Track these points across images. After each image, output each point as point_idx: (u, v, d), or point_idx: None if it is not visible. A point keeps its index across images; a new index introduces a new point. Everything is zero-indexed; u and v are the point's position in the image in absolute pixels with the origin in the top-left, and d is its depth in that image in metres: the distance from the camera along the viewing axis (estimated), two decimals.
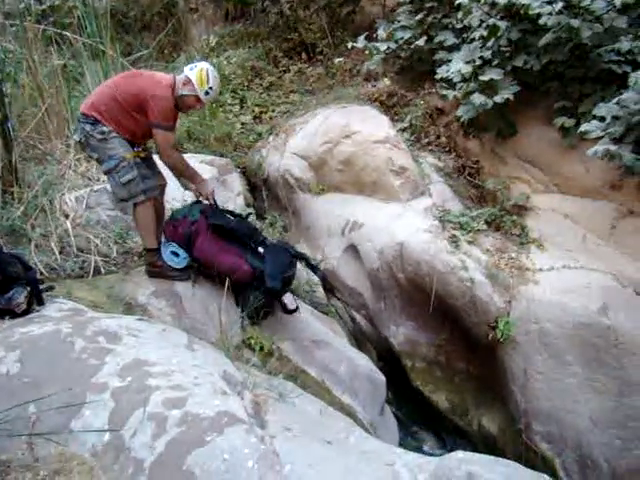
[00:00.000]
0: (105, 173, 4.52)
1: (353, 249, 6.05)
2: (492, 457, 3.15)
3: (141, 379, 3.10)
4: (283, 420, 3.40)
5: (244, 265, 4.57)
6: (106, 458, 2.75)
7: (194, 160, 6.32)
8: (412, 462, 3.33)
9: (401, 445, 4.86)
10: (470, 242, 5.48)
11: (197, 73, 4.37)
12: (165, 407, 2.89)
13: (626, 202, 5.54)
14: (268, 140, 7.52)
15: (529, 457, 5.03)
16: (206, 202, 4.85)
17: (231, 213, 5.00)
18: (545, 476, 3.00)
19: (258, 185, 7.35)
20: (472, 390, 5.66)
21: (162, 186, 4.89)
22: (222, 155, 7.21)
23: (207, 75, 4.36)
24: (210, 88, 4.41)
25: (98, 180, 5.80)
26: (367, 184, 6.35)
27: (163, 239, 4.76)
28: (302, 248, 6.63)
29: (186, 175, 4.80)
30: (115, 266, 4.87)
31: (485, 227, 5.69)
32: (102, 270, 4.81)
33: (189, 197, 5.62)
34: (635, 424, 4.68)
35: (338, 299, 6.31)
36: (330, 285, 6.32)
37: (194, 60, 8.50)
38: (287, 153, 6.94)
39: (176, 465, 2.59)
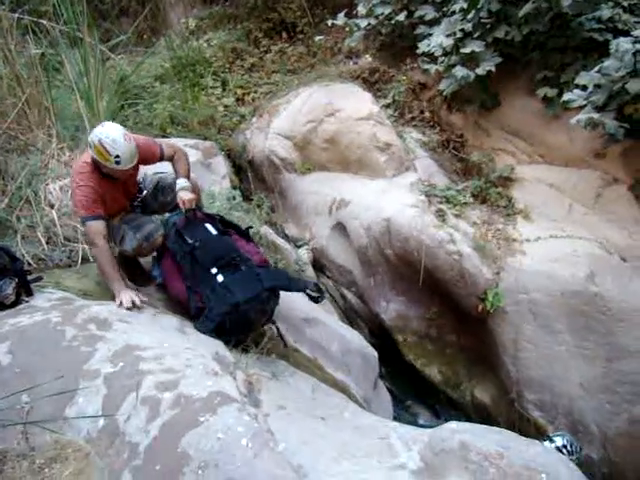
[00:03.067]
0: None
1: (341, 227, 6.06)
2: (484, 426, 3.18)
3: (133, 364, 3.11)
4: (277, 398, 3.43)
5: (186, 295, 3.99)
6: (101, 444, 2.76)
7: (179, 144, 6.29)
8: (406, 434, 3.36)
9: (395, 419, 4.91)
10: (457, 215, 5.50)
11: (94, 150, 3.85)
12: (158, 390, 2.90)
13: (610, 170, 5.57)
14: (252, 121, 7.49)
15: (522, 425, 5.10)
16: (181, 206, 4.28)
17: (220, 223, 4.41)
18: (537, 442, 3.04)
19: (243, 167, 7.33)
20: (464, 362, 5.71)
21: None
22: (206, 138, 7.16)
23: (102, 147, 3.82)
24: (117, 156, 3.85)
25: None
26: (352, 161, 6.35)
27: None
28: (289, 228, 6.66)
29: (104, 274, 4.04)
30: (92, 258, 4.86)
31: (471, 200, 5.71)
32: (90, 258, 4.79)
33: None
34: (624, 389, 4.74)
35: (328, 277, 6.33)
36: (319, 264, 6.33)
37: (173, 43, 8.47)
38: (271, 134, 6.91)
39: (171, 447, 2.61)
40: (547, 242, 5.22)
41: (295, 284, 4.24)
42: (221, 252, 4.07)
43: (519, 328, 5.07)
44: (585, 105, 5.13)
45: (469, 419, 5.37)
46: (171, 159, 4.41)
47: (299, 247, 6.34)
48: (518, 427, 5.08)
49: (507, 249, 5.25)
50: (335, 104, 6.50)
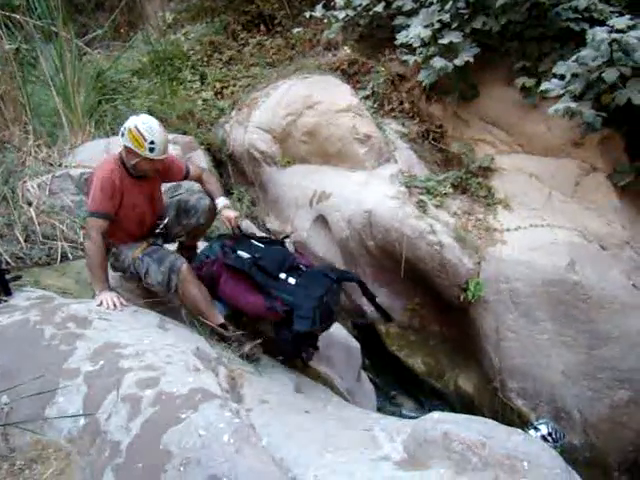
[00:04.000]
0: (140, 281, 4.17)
1: (322, 219, 6.06)
2: (467, 416, 3.20)
3: (113, 362, 3.09)
4: (259, 393, 3.42)
5: (266, 304, 3.90)
6: (82, 443, 2.76)
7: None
8: (389, 426, 3.37)
9: (379, 410, 4.93)
10: (437, 206, 5.51)
11: (128, 136, 3.84)
12: (139, 388, 2.89)
13: (588, 159, 5.61)
14: (231, 115, 7.45)
15: (505, 414, 5.13)
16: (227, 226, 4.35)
17: (260, 239, 4.46)
18: (519, 431, 3.06)
19: (223, 161, 7.28)
20: (447, 352, 5.74)
21: (189, 250, 4.64)
22: (185, 133, 7.10)
23: (138, 132, 3.82)
24: (151, 142, 3.83)
25: (60, 166, 5.69)
26: (332, 154, 6.33)
27: None
28: (271, 221, 6.65)
29: (91, 271, 3.98)
30: (83, 251, 4.80)
31: (451, 190, 5.73)
32: (70, 256, 4.76)
33: None
34: (604, 375, 4.80)
35: None
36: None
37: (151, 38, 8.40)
38: (251, 127, 6.88)
39: (152, 445, 2.60)
40: (527, 231, 5.25)
41: (352, 275, 4.68)
42: (281, 258, 4.17)
43: (501, 317, 5.10)
44: (563, 94, 5.14)
45: (453, 409, 5.39)
46: (198, 179, 4.40)
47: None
48: (501, 415, 5.11)
49: (488, 239, 5.27)
50: (314, 96, 6.48)
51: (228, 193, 6.68)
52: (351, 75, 7.25)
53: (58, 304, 3.69)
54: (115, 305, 3.80)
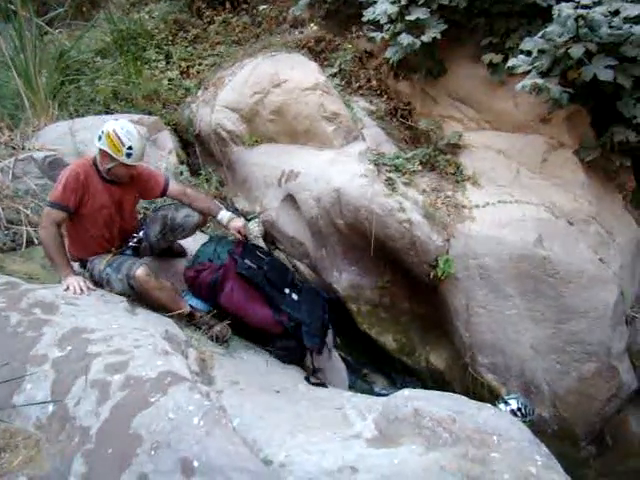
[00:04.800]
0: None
1: (291, 199, 6.03)
2: (438, 392, 3.23)
3: (81, 347, 3.06)
4: (230, 374, 3.42)
5: (274, 317, 4.17)
6: (51, 429, 2.73)
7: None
8: (361, 404, 3.39)
9: (352, 388, 4.95)
10: (406, 183, 5.51)
11: (106, 140, 3.85)
12: (107, 373, 2.87)
13: (556, 135, 5.64)
14: (197, 95, 7.36)
15: (476, 389, 5.19)
16: (239, 237, 4.43)
17: (261, 251, 4.60)
18: (489, 406, 3.09)
19: (190, 141, 7.21)
20: (418, 329, 5.78)
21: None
22: (151, 113, 7.02)
23: (117, 136, 3.84)
24: (129, 148, 3.86)
25: (23, 149, 5.60)
26: (300, 132, 6.29)
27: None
28: (240, 201, 6.61)
29: (51, 259, 3.93)
30: (39, 242, 4.73)
31: (420, 168, 5.72)
32: (35, 241, 4.69)
33: None
34: (572, 348, 4.87)
35: (280, 249, 6.31)
36: (271, 236, 6.31)
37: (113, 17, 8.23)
38: (217, 107, 6.80)
39: (122, 429, 2.58)
40: (496, 208, 5.27)
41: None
42: (284, 273, 4.52)
43: (470, 293, 5.14)
44: (530, 71, 5.15)
45: (424, 385, 5.45)
46: (180, 196, 4.37)
47: (250, 220, 6.30)
48: (472, 390, 5.18)
49: (457, 216, 5.29)
50: (281, 74, 6.41)
51: (196, 174, 6.63)
52: (318, 53, 7.19)
53: (24, 290, 3.64)
54: (82, 289, 3.77)
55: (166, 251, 4.70)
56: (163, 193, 4.36)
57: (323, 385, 4.03)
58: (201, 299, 4.28)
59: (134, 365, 2.92)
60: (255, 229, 6.12)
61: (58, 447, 2.66)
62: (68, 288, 3.77)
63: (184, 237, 4.53)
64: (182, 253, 4.87)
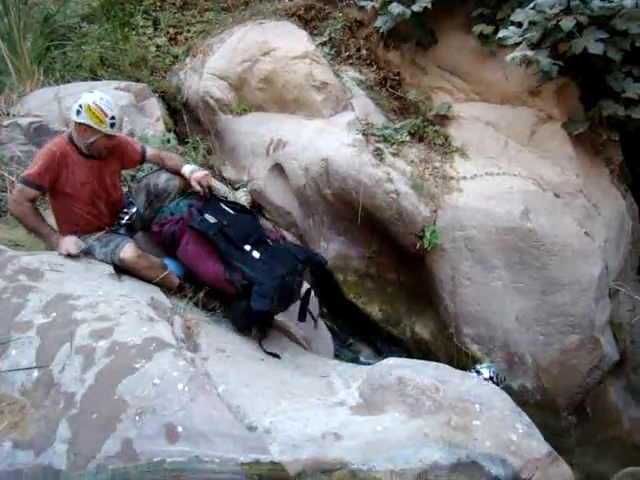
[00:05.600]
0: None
1: (279, 168, 6.01)
2: (421, 361, 3.27)
3: (66, 313, 3.07)
4: (216, 342, 3.44)
5: (225, 274, 3.83)
6: (36, 395, 2.75)
7: (109, 87, 6.09)
8: (345, 372, 3.43)
9: (337, 357, 4.99)
10: (394, 154, 5.50)
11: (87, 114, 3.77)
12: (92, 339, 2.88)
13: (545, 107, 5.62)
14: (185, 62, 7.29)
15: (461, 359, 5.23)
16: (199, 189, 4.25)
17: (231, 204, 4.37)
18: (473, 374, 3.14)
19: (178, 109, 7.14)
20: (404, 299, 5.80)
21: None
22: (138, 80, 6.93)
23: (98, 107, 3.77)
24: (112, 118, 3.82)
25: (8, 115, 5.53)
26: (289, 101, 6.26)
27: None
28: (227, 170, 6.58)
29: (34, 231, 3.95)
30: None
31: (408, 138, 5.70)
32: None
33: None
34: (556, 320, 4.91)
35: (267, 219, 6.29)
36: (258, 205, 6.29)
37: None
38: (205, 74, 6.74)
39: (107, 395, 2.60)
40: (483, 179, 5.28)
41: (317, 257, 4.44)
42: (249, 229, 4.09)
43: (456, 265, 5.16)
44: (520, 42, 5.12)
45: (410, 355, 5.48)
46: (156, 160, 4.35)
47: (237, 189, 6.28)
48: (457, 360, 5.22)
49: (444, 187, 5.29)
50: (270, 43, 6.35)
51: (183, 142, 6.58)
52: (308, 21, 7.13)
53: (9, 257, 3.62)
54: (80, 247, 3.81)
55: None
56: (142, 158, 4.35)
57: (276, 356, 3.75)
58: (174, 260, 4.19)
59: (119, 331, 2.93)
60: (242, 198, 6.10)
61: (43, 412, 2.68)
62: (68, 254, 3.77)
63: (171, 202, 4.48)
64: None
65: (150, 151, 4.39)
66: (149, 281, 3.88)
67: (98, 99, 3.82)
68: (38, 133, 5.24)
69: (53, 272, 3.50)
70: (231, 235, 3.92)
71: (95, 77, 6.92)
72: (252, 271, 3.81)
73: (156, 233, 4.22)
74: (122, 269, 3.85)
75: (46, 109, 5.65)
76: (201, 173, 4.29)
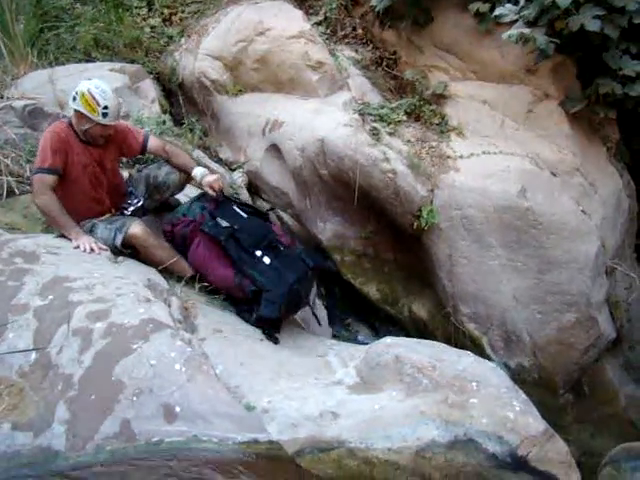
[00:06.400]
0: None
1: (275, 148, 5.99)
2: (418, 340, 3.29)
3: (63, 295, 3.08)
4: (213, 323, 3.44)
5: (234, 280, 3.87)
6: (35, 377, 2.76)
7: (103, 69, 6.06)
8: (343, 352, 3.44)
9: (335, 337, 5.01)
10: (391, 134, 5.48)
11: (81, 101, 3.80)
12: (89, 321, 2.89)
13: (541, 86, 5.59)
14: (180, 43, 7.22)
15: (458, 338, 5.25)
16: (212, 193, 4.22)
17: (245, 207, 4.38)
18: (469, 353, 3.14)
19: (174, 90, 7.09)
20: (401, 279, 5.81)
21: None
22: (133, 61, 6.89)
23: (92, 96, 3.79)
24: (105, 107, 3.81)
25: (2, 98, 5.50)
26: (285, 81, 6.22)
27: None
28: (223, 151, 6.55)
29: (57, 223, 3.92)
30: (29, 185, 4.66)
31: (405, 118, 5.68)
32: (16, 191, 4.65)
33: None
34: (553, 298, 4.92)
35: (264, 200, 6.28)
36: (254, 186, 6.27)
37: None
38: (201, 55, 6.69)
39: (105, 376, 2.61)
40: (480, 158, 5.26)
41: (327, 264, 4.69)
42: (260, 234, 4.08)
43: (453, 244, 5.16)
44: (517, 20, 5.09)
45: (407, 334, 5.49)
46: (159, 152, 4.31)
47: (233, 170, 6.27)
48: (454, 339, 5.23)
49: (441, 166, 5.28)
50: (265, 22, 6.30)
51: (179, 123, 6.56)
52: (303, 0, 7.07)
53: (5, 240, 3.63)
54: (93, 249, 3.76)
55: (165, 206, 4.65)
56: (143, 149, 4.33)
57: (275, 340, 3.70)
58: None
59: (116, 313, 2.94)
60: (239, 179, 6.09)
61: (41, 394, 2.69)
62: (79, 247, 3.76)
63: (172, 194, 4.52)
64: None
65: (153, 143, 4.35)
66: (157, 265, 3.89)
67: (93, 87, 3.83)
68: (33, 116, 5.21)
69: (49, 255, 3.50)
70: (242, 240, 3.95)
71: (89, 59, 6.87)
72: (262, 277, 3.83)
73: (167, 233, 4.23)
74: (126, 248, 3.87)
75: (40, 91, 5.62)
76: (212, 177, 4.28)
